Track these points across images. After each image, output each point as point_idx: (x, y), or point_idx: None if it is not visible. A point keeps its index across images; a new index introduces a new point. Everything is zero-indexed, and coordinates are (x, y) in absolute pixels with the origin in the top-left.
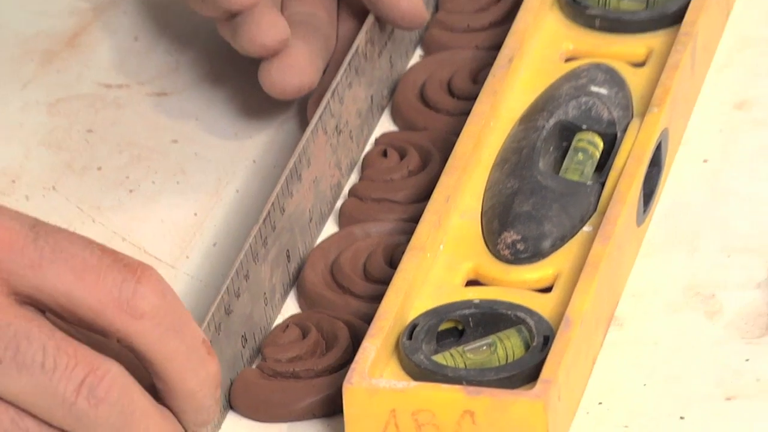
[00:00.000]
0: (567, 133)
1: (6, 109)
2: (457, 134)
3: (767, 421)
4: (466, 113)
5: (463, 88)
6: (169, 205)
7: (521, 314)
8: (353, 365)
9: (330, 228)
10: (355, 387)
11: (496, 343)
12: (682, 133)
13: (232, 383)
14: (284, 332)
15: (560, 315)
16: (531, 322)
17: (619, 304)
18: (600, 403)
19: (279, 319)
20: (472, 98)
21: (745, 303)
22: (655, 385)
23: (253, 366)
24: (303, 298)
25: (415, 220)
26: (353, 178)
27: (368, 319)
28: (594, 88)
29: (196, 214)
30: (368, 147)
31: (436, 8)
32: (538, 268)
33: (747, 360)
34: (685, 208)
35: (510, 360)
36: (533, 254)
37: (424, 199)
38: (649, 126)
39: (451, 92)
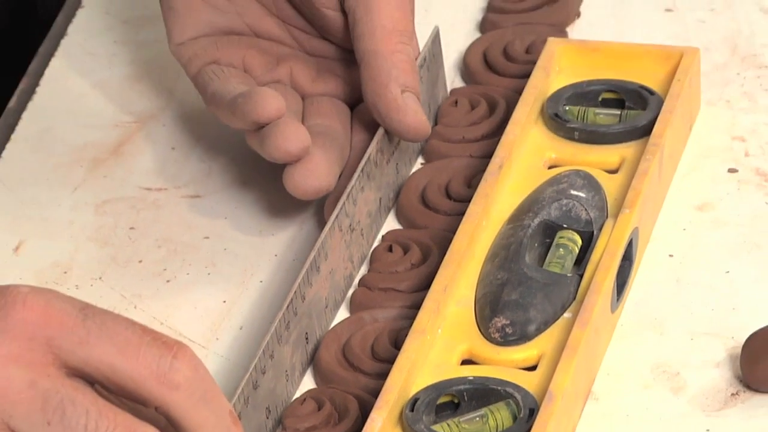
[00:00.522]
0: (550, 231)
1: (58, 209)
2: (454, 232)
3: None
4: (462, 214)
5: (458, 192)
6: (202, 293)
7: (510, 389)
8: None
9: (342, 314)
10: None
11: (487, 415)
12: (650, 232)
13: None
14: (302, 405)
15: (544, 390)
16: (518, 397)
17: (596, 381)
18: None
19: (297, 394)
20: (466, 201)
21: (706, 380)
22: None
23: None
24: (318, 375)
25: (416, 307)
26: (363, 270)
27: (375, 393)
28: (574, 192)
29: (225, 302)
30: (376, 243)
31: (436, 122)
32: (524, 350)
33: (707, 430)
34: (653, 296)
35: (500, 430)
36: (520, 337)
37: (424, 289)
38: (621, 225)
39: (448, 195)
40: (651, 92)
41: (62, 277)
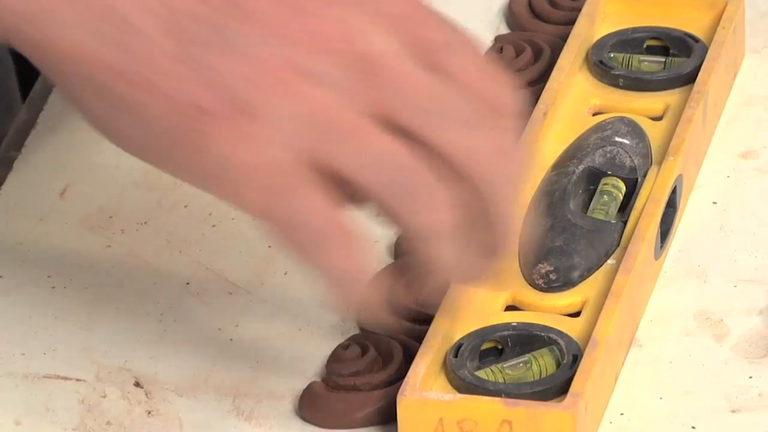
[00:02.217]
0: (594, 178)
1: (104, 154)
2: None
3: None
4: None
5: None
6: (247, 238)
7: (553, 336)
8: (406, 379)
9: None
10: (408, 398)
11: (531, 361)
12: (694, 179)
13: (301, 395)
14: (346, 350)
15: (587, 337)
16: (562, 343)
17: (639, 328)
18: (621, 414)
19: (341, 338)
20: None
21: (749, 327)
22: (670, 399)
23: (319, 379)
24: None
25: None
26: None
27: (420, 339)
28: (618, 139)
29: (269, 246)
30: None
31: None
32: (568, 296)
33: (750, 377)
34: (697, 244)
35: (543, 376)
36: (564, 283)
37: None
38: (665, 172)
39: None
40: (696, 40)
41: (108, 221)
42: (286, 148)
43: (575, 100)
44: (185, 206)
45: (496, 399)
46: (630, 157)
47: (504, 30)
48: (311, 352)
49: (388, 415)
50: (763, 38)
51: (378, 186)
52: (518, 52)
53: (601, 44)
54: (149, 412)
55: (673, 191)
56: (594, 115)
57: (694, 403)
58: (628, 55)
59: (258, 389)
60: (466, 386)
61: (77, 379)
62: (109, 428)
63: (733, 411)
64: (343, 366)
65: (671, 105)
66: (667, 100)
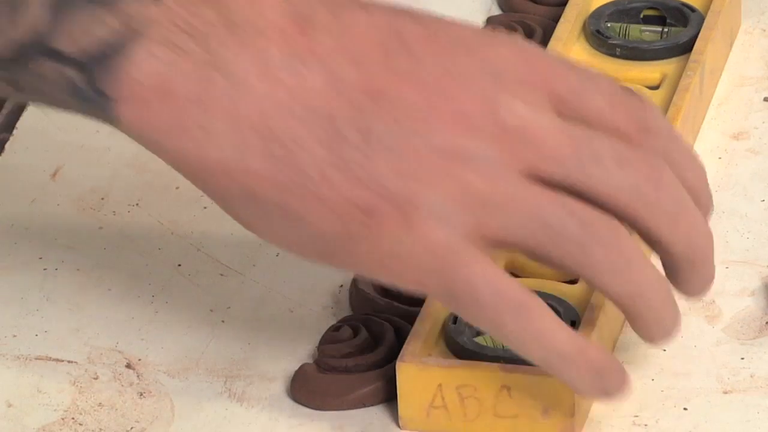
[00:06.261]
0: None
1: (96, 136)
2: None
3: (760, 412)
4: None
5: None
6: None
7: (551, 302)
8: (406, 345)
9: None
10: (408, 364)
11: None
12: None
13: (293, 377)
14: (338, 332)
15: (586, 303)
16: (560, 309)
17: None
18: None
19: (333, 320)
20: None
21: (741, 309)
22: (662, 380)
23: (311, 361)
24: (354, 302)
25: None
26: None
27: (411, 320)
28: None
29: None
30: None
31: None
32: None
33: (742, 358)
34: None
35: None
36: None
37: None
38: None
39: None
40: (692, 9)
41: (99, 203)
42: (450, 229)
43: None
44: (177, 188)
45: (495, 365)
46: None
47: (496, 11)
48: (303, 334)
49: (380, 396)
50: (755, 19)
51: (548, 245)
52: (510, 33)
53: (598, 14)
54: (141, 394)
55: None
56: None
57: (687, 385)
58: (625, 25)
59: (250, 371)
60: (465, 352)
61: (69, 361)
62: (101, 410)
63: (725, 392)
64: (335, 348)
65: (668, 74)
66: (664, 69)
